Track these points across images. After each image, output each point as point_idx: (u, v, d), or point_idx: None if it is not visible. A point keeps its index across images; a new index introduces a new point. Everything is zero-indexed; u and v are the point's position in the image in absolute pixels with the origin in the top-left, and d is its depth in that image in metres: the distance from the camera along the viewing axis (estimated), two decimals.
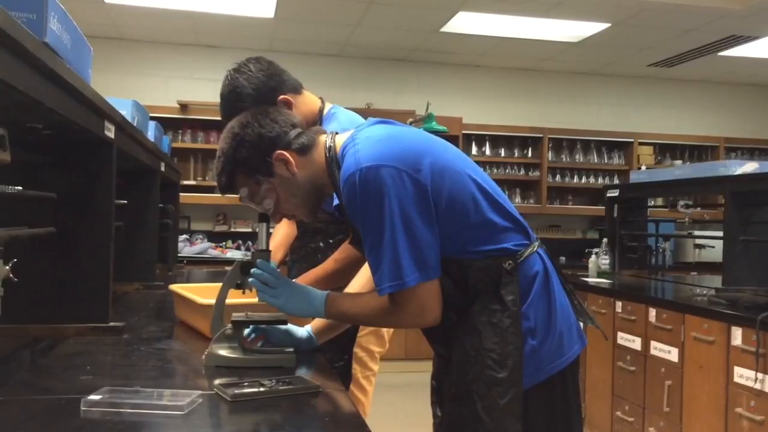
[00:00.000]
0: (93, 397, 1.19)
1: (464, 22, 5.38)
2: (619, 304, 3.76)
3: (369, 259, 1.38)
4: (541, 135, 6.70)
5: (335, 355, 2.07)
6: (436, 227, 1.37)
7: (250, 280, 1.51)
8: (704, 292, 3.53)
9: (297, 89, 2.06)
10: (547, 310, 1.43)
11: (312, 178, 1.48)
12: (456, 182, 1.40)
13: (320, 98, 2.16)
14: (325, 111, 2.12)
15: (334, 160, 1.46)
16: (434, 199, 1.36)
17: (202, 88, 6.25)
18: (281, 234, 2.42)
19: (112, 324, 1.85)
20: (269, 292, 1.49)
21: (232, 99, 1.96)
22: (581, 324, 1.55)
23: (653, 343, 3.42)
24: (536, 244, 1.48)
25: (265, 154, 1.46)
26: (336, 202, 1.99)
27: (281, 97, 1.99)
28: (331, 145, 1.48)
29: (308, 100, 2.10)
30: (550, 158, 6.77)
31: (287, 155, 1.46)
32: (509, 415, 1.37)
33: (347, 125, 2.05)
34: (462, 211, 1.40)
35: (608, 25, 5.36)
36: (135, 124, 2.41)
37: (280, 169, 1.47)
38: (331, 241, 2.16)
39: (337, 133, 1.52)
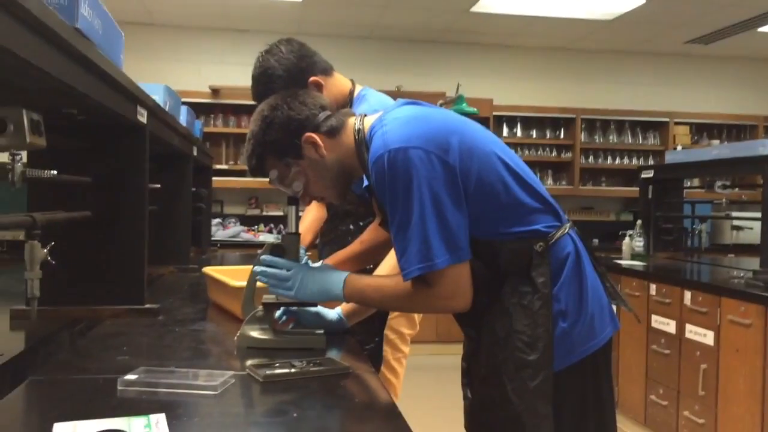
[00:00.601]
0: (129, 376, 1.21)
1: (495, 2, 5.31)
2: (653, 287, 3.71)
3: (395, 243, 1.37)
4: (574, 116, 6.60)
5: (366, 337, 2.08)
6: (465, 209, 1.36)
7: (257, 278, 1.51)
8: (741, 274, 3.46)
9: (327, 71, 2.07)
10: (578, 292, 1.42)
11: (341, 160, 1.48)
12: (485, 163, 1.39)
13: (351, 80, 2.16)
14: (356, 93, 2.12)
15: (362, 142, 1.46)
16: (463, 180, 1.35)
17: (233, 73, 6.28)
18: (310, 217, 2.43)
19: (147, 306, 1.89)
20: (280, 285, 1.48)
21: (263, 80, 1.98)
22: (614, 307, 1.53)
23: (688, 327, 3.37)
24: (567, 225, 1.46)
25: (294, 136, 1.46)
26: (366, 183, 1.99)
27: (312, 78, 2.00)
28: (360, 127, 1.47)
29: (339, 82, 2.11)
30: (582, 139, 6.67)
31: (316, 138, 1.46)
32: (539, 397, 1.36)
33: (377, 107, 2.04)
34: (491, 192, 1.38)
35: (644, 1, 5.23)
36: (167, 109, 2.44)
37: (309, 152, 1.47)
38: (361, 223, 2.16)
39: (365, 115, 1.51)
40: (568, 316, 1.40)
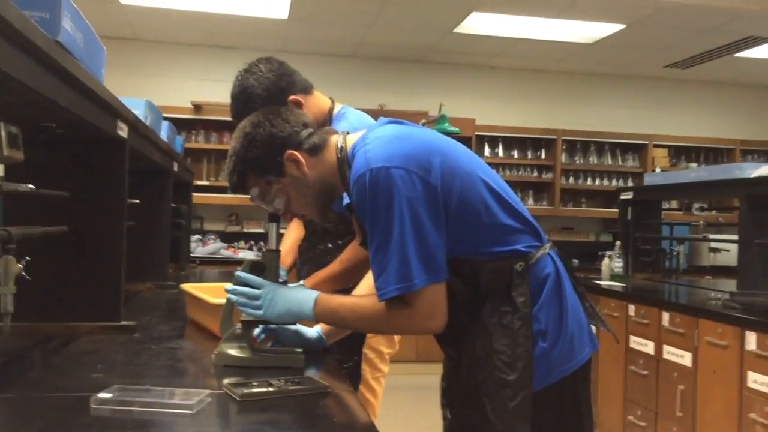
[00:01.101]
0: (103, 395, 1.19)
1: (478, 23, 5.37)
2: (632, 308, 3.73)
3: (373, 262, 1.37)
4: (555, 137, 6.67)
5: (345, 355, 2.07)
6: (444, 229, 1.36)
7: (228, 296, 1.50)
8: (718, 296, 3.49)
9: (307, 90, 2.07)
10: (558, 313, 1.42)
11: (323, 178, 1.48)
12: (466, 183, 1.39)
13: (330, 99, 2.16)
14: (335, 111, 2.12)
15: (345, 160, 1.46)
16: (444, 200, 1.36)
17: (216, 89, 6.27)
18: (292, 238, 2.42)
19: (123, 323, 1.86)
20: (248, 305, 1.47)
21: (242, 99, 1.97)
22: (593, 327, 1.54)
23: (666, 347, 3.39)
24: (548, 246, 1.47)
25: (277, 154, 1.46)
26: (346, 201, 1.99)
27: (291, 97, 1.99)
28: (342, 145, 1.48)
29: (318, 101, 2.11)
30: (563, 160, 6.74)
31: (298, 155, 1.46)
32: (518, 417, 1.36)
33: (357, 125, 2.05)
34: (473, 212, 1.39)
35: (623, 26, 5.33)
36: (148, 124, 2.42)
37: (291, 169, 1.47)
38: (340, 242, 2.16)
39: (348, 133, 1.52)
40: (548, 336, 1.40)
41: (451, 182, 1.37)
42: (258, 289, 1.48)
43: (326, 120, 2.10)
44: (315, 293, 1.48)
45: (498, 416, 1.36)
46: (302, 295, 1.48)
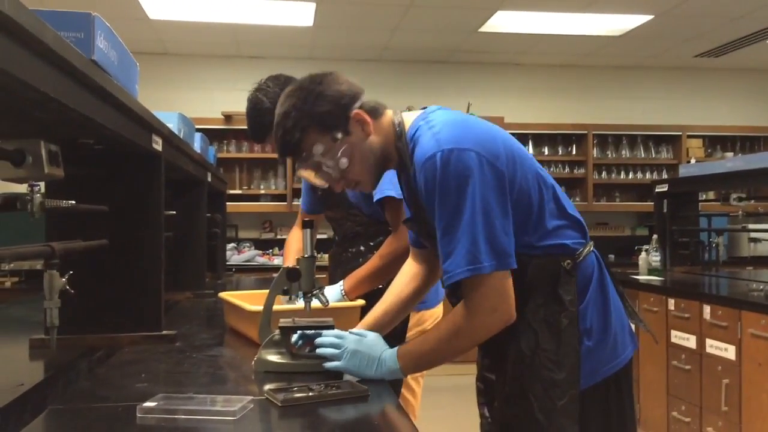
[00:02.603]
0: (148, 404, 1.21)
1: (503, 21, 5.35)
2: (671, 302, 3.67)
3: (441, 244, 1.33)
4: (585, 132, 6.59)
5: None
6: (510, 216, 1.34)
7: (318, 350, 1.46)
8: (761, 287, 3.42)
9: None
10: (603, 311, 1.41)
11: (382, 144, 1.44)
12: (524, 174, 1.38)
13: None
14: None
15: (402, 134, 1.42)
16: (509, 187, 1.34)
17: (245, 99, 6.33)
18: (296, 246, 2.41)
19: (164, 332, 1.89)
20: (336, 356, 1.44)
21: (253, 115, 2.14)
22: (632, 326, 1.53)
23: (709, 341, 3.33)
24: (591, 243, 1.46)
25: (346, 109, 1.39)
26: (378, 196, 2.00)
27: None
28: (400, 120, 1.45)
29: None
30: (595, 155, 6.66)
31: (365, 115, 1.40)
32: (566, 416, 1.35)
33: None
34: (527, 205, 1.38)
35: (651, 17, 5.25)
36: (181, 137, 2.47)
37: (356, 129, 1.40)
38: (371, 243, 2.17)
39: (402, 111, 1.49)
40: (593, 335, 1.39)
41: (514, 171, 1.36)
42: (338, 348, 1.45)
43: None
44: (392, 350, 1.44)
45: (546, 415, 1.35)
46: (378, 349, 1.44)
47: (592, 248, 1.45)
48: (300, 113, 1.38)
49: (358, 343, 1.44)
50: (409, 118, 1.45)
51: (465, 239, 1.29)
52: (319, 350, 1.45)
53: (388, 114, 1.47)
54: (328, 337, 1.47)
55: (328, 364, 1.44)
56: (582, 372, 1.37)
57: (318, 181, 1.49)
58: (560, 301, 1.37)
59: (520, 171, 1.37)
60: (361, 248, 2.20)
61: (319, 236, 2.64)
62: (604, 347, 1.40)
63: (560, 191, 1.46)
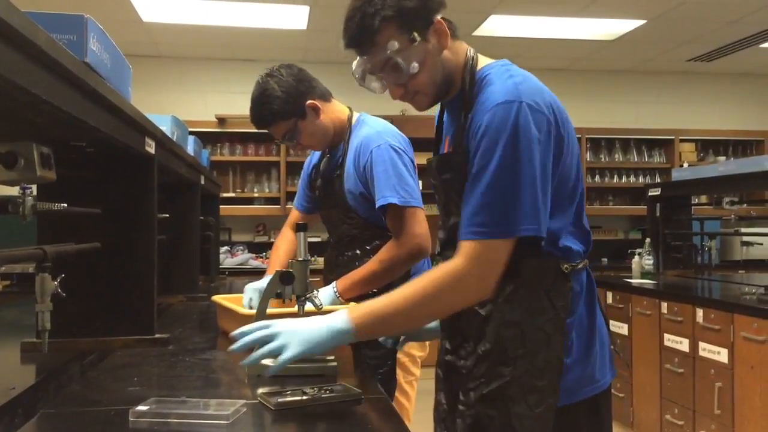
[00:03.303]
0: (140, 407, 1.21)
1: (497, 25, 5.36)
2: (664, 305, 3.68)
3: (477, 196, 1.26)
4: (579, 135, 6.60)
5: (379, 360, 2.07)
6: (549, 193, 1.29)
7: (244, 341, 1.32)
8: (753, 290, 3.43)
9: (326, 97, 2.14)
10: (587, 332, 1.36)
11: (452, 66, 1.38)
12: (572, 162, 1.35)
13: (349, 108, 2.21)
14: (354, 119, 2.17)
15: (473, 68, 1.37)
16: (558, 167, 1.31)
17: (239, 102, 6.31)
18: (284, 248, 2.39)
19: (157, 336, 1.89)
20: (268, 352, 1.28)
21: (262, 101, 2.05)
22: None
23: (701, 344, 3.34)
24: (586, 261, 1.40)
25: (431, 13, 1.32)
26: (380, 202, 1.99)
27: (309, 102, 2.07)
28: (472, 55, 1.40)
29: (337, 109, 2.17)
30: (588, 158, 6.68)
31: (446, 26, 1.34)
32: (541, 425, 1.30)
33: (379, 128, 2.12)
34: (563, 191, 1.33)
35: (644, 21, 5.27)
36: (174, 139, 2.46)
37: (433, 38, 1.33)
38: (368, 247, 2.16)
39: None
40: (573, 353, 1.33)
41: (566, 153, 1.32)
42: (266, 328, 1.29)
43: (345, 127, 2.16)
44: (341, 311, 1.32)
45: (521, 421, 1.30)
46: (329, 319, 1.31)
47: (586, 265, 1.39)
48: (386, 3, 1.31)
49: (290, 322, 1.31)
50: (484, 59, 1.41)
51: (528, 196, 1.23)
52: (245, 340, 1.30)
53: (463, 43, 1.41)
54: (252, 328, 1.31)
55: (271, 365, 1.28)
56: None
57: (376, 84, 1.42)
58: (552, 305, 1.31)
59: (569, 157, 1.33)
60: (357, 252, 2.19)
61: (313, 239, 2.62)
62: (583, 368, 1.34)
63: (583, 197, 1.42)
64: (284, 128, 2.10)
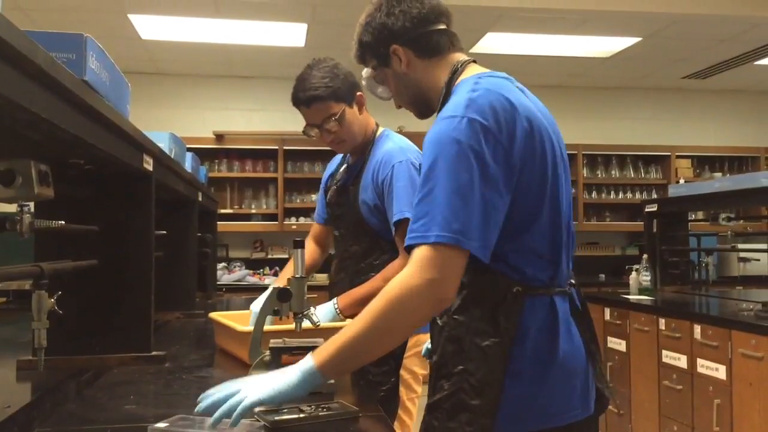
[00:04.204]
0: (160, 425, 1.20)
1: (493, 43, 5.40)
2: (662, 322, 3.68)
3: (416, 206, 1.25)
4: (575, 152, 6.64)
5: (383, 378, 2.07)
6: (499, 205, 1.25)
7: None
8: (751, 306, 3.43)
9: (363, 103, 2.20)
10: (546, 362, 1.29)
11: (431, 83, 1.44)
12: (528, 187, 1.29)
13: (376, 123, 2.27)
14: (378, 133, 2.21)
15: (450, 83, 1.40)
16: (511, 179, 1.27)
17: (237, 118, 6.37)
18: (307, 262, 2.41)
19: (154, 353, 1.88)
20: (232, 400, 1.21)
21: (327, 75, 2.07)
22: (601, 391, 1.40)
23: (700, 361, 3.33)
24: (559, 293, 1.33)
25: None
26: (398, 216, 1.99)
27: (360, 93, 2.14)
28: (459, 68, 1.42)
29: (368, 117, 2.24)
30: (585, 174, 6.70)
31: (406, 53, 1.45)
32: None
33: (402, 144, 2.17)
34: (512, 216, 1.27)
35: (639, 39, 5.31)
36: (172, 156, 2.46)
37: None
38: (377, 262, 2.16)
39: (474, 61, 1.47)
40: (521, 382, 1.27)
41: (525, 174, 1.27)
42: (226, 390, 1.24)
43: (370, 138, 2.19)
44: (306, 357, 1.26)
45: None
46: (294, 366, 1.26)
47: (553, 294, 1.32)
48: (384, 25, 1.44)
49: (259, 377, 1.28)
50: (470, 70, 1.42)
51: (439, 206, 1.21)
52: (209, 400, 1.24)
53: (456, 55, 1.45)
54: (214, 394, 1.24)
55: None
56: (501, 414, 1.25)
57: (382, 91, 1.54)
58: (497, 326, 1.26)
59: (531, 179, 1.28)
60: (362, 265, 2.18)
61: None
62: (533, 398, 1.28)
63: (568, 227, 1.36)
64: (333, 110, 2.08)
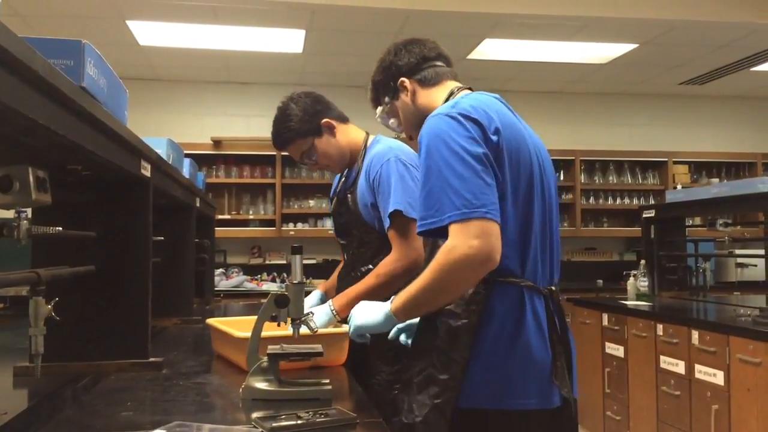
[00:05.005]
0: (160, 431, 1.20)
1: (491, 49, 5.41)
2: (660, 327, 3.68)
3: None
4: (573, 157, 6.65)
5: (394, 376, 2.06)
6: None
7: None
8: (748, 312, 3.44)
9: (343, 119, 2.28)
10: (508, 348, 1.43)
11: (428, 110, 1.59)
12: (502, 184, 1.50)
13: (366, 132, 2.29)
14: (369, 141, 2.25)
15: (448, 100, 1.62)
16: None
17: (235, 124, 6.37)
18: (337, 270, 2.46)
19: (151, 359, 1.87)
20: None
21: (281, 119, 2.22)
22: (559, 388, 1.47)
23: (697, 367, 3.33)
24: (530, 285, 1.46)
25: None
26: (387, 212, 2.04)
27: (324, 120, 2.21)
28: (453, 91, 1.66)
29: (353, 132, 2.28)
30: (583, 180, 6.71)
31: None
32: (439, 414, 1.40)
33: (391, 143, 2.23)
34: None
35: (636, 45, 5.33)
36: (170, 162, 2.47)
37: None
38: (363, 269, 2.17)
39: (467, 89, 1.69)
40: (482, 360, 1.42)
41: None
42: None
43: (360, 151, 2.22)
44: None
45: (420, 407, 1.43)
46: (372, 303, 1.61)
47: (526, 290, 1.45)
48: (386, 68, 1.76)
49: (359, 306, 1.64)
50: (467, 94, 1.65)
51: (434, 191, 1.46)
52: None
53: (449, 83, 1.72)
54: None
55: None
56: (464, 389, 1.41)
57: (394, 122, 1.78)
58: (467, 308, 1.42)
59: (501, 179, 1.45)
60: (370, 267, 2.19)
61: (308, 261, 2.64)
62: (491, 378, 1.42)
63: (545, 232, 1.51)
64: (302, 147, 2.23)
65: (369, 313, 1.57)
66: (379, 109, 1.76)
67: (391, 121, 1.75)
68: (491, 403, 1.42)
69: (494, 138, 1.44)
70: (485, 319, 1.42)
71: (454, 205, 1.37)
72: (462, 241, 1.36)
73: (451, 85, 1.68)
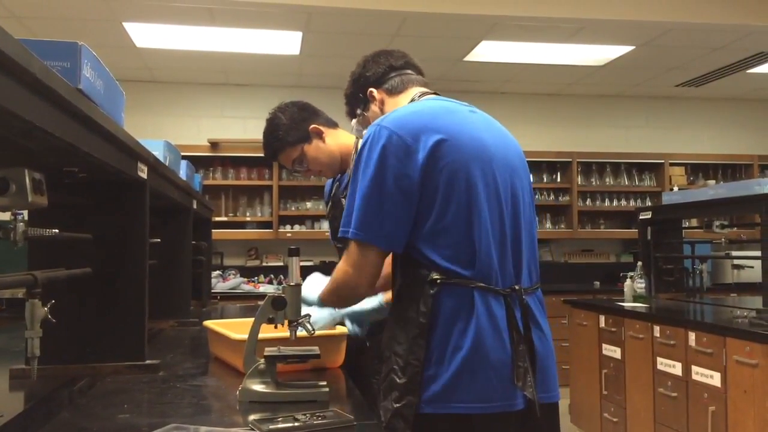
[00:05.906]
0: None
1: (488, 51, 5.42)
2: (657, 329, 3.68)
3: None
4: (570, 159, 6.66)
5: None
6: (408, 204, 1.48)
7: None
8: (745, 313, 3.44)
9: (331, 124, 2.28)
10: (451, 350, 1.41)
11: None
12: (433, 192, 1.50)
13: (356, 136, 2.28)
14: (359, 144, 2.23)
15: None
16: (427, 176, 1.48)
17: (232, 126, 6.37)
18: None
19: (148, 362, 1.87)
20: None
21: (269, 129, 2.23)
22: (522, 390, 1.45)
23: (694, 368, 3.34)
24: (482, 285, 1.44)
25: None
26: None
27: (312, 126, 2.21)
28: (414, 98, 1.68)
29: (343, 136, 2.28)
30: (579, 182, 6.72)
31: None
32: (401, 419, 1.41)
33: None
34: (419, 212, 1.49)
35: (633, 47, 5.34)
36: (167, 164, 2.46)
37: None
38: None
39: (436, 93, 1.71)
40: (432, 364, 1.42)
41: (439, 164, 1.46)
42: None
43: (351, 154, 2.22)
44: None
45: (385, 413, 1.45)
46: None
47: (476, 291, 1.43)
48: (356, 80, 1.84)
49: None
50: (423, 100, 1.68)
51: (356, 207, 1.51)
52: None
53: (415, 89, 1.74)
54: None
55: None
56: (423, 394, 1.41)
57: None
58: (417, 310, 1.44)
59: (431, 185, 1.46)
60: None
61: (305, 263, 2.64)
62: (437, 382, 1.41)
63: (507, 235, 1.50)
64: (292, 155, 2.23)
65: (310, 289, 1.73)
66: (354, 121, 1.81)
67: (365, 132, 1.74)
68: (450, 408, 1.40)
69: (420, 152, 1.44)
70: (434, 321, 1.43)
71: (355, 223, 1.46)
72: (342, 264, 1.52)
73: (415, 91, 1.70)
